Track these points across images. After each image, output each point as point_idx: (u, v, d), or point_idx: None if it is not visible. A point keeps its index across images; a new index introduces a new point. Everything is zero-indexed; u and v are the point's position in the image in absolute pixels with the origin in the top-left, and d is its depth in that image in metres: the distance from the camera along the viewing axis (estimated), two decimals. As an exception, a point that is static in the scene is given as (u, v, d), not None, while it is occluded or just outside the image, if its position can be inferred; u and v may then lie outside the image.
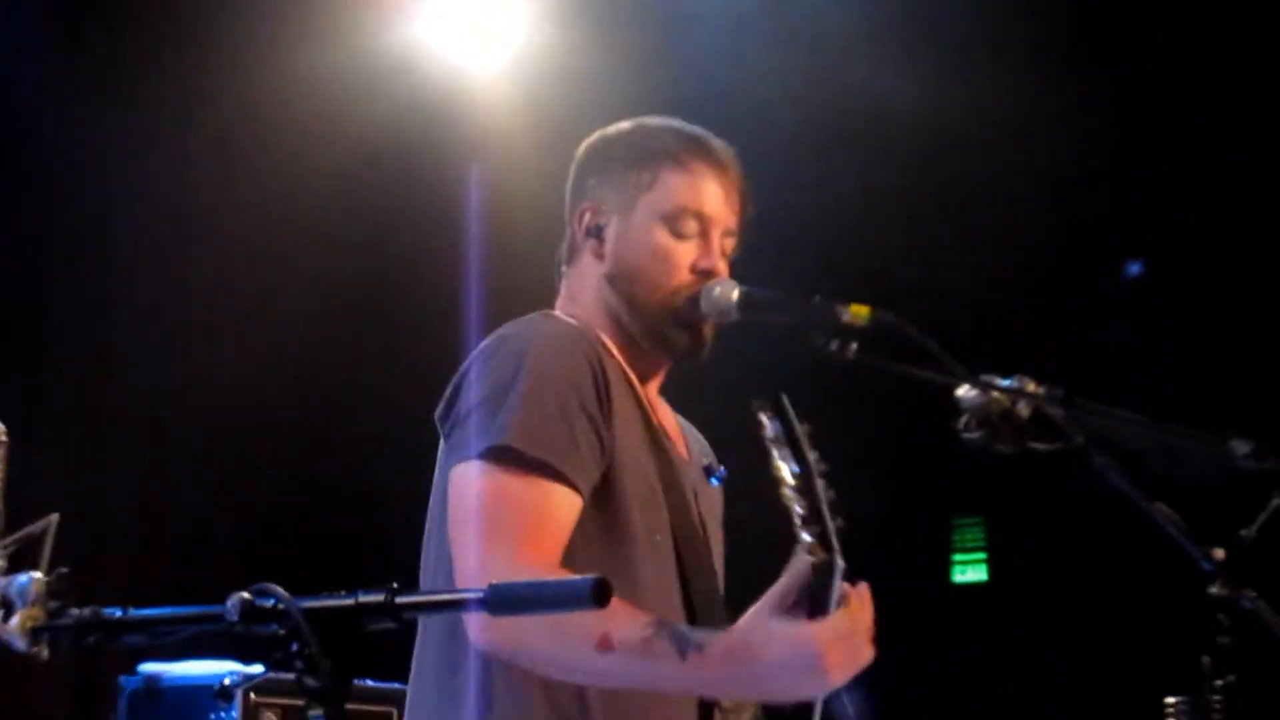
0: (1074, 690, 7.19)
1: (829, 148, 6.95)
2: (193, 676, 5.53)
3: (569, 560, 2.77)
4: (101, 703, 5.75)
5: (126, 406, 6.56)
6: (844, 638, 2.64)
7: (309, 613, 1.91)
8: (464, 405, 2.87)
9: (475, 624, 2.72)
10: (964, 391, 3.02)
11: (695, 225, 3.06)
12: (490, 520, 2.75)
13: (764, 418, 2.78)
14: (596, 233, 3.09)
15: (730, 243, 3.11)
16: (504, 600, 1.87)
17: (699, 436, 3.26)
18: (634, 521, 2.89)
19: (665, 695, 2.83)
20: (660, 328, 3.04)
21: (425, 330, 5.81)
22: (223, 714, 5.39)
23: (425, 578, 2.94)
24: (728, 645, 2.64)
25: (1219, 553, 3.02)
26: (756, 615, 2.66)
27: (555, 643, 2.67)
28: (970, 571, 8.19)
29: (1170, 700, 3.29)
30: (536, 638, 2.67)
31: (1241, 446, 3.01)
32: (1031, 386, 3.03)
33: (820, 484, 2.76)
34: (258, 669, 5.51)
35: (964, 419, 3.03)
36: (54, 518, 2.21)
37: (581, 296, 3.11)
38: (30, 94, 6.20)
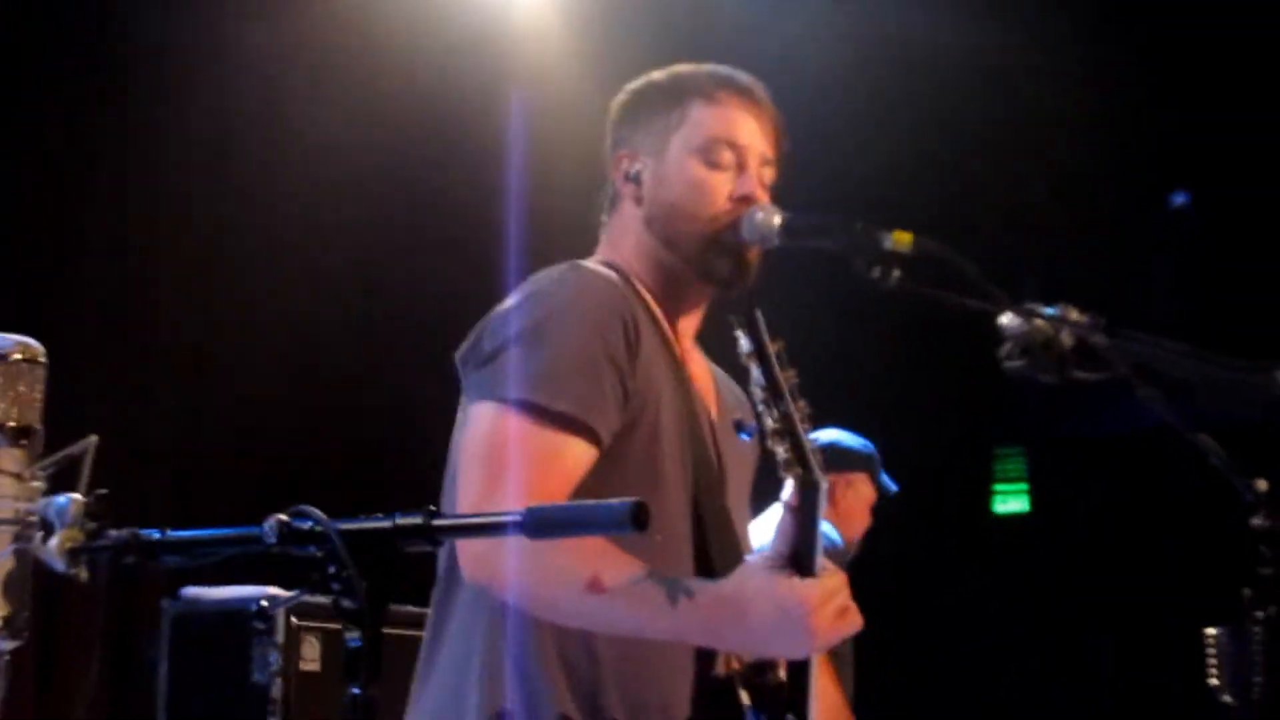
0: (1114, 621, 7.18)
1: (874, 80, 6.91)
2: (234, 600, 5.56)
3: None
4: (144, 626, 5.79)
5: (166, 328, 6.58)
6: (833, 599, 2.63)
7: (346, 535, 1.91)
8: (489, 347, 2.87)
9: (468, 558, 2.73)
10: (1007, 319, 2.99)
11: (730, 155, 3.04)
12: (497, 462, 2.75)
13: (739, 333, 2.77)
14: (634, 178, 3.08)
15: (769, 172, 3.09)
16: (542, 522, 1.86)
17: (736, 389, 3.22)
18: (655, 472, 2.89)
19: (666, 646, 2.82)
20: (703, 257, 3.02)
21: (466, 259, 5.79)
22: (264, 637, 5.42)
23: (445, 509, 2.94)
24: (718, 597, 2.64)
25: (1262, 484, 3.00)
26: (749, 569, 2.67)
27: (546, 582, 2.68)
28: (1012, 502, 8.19)
29: (1211, 631, 3.28)
30: (528, 576, 2.67)
31: (1287, 377, 2.99)
32: (1075, 315, 3.00)
33: (789, 398, 2.73)
34: (293, 593, 5.55)
35: (1006, 347, 3.00)
36: (93, 439, 2.21)
37: (620, 244, 3.09)
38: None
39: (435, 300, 6.67)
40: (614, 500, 1.81)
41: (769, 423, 2.70)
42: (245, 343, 6.70)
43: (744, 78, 3.12)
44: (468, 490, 2.77)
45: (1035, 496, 8.06)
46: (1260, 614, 3.00)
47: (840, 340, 7.00)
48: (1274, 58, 6.64)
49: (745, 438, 3.11)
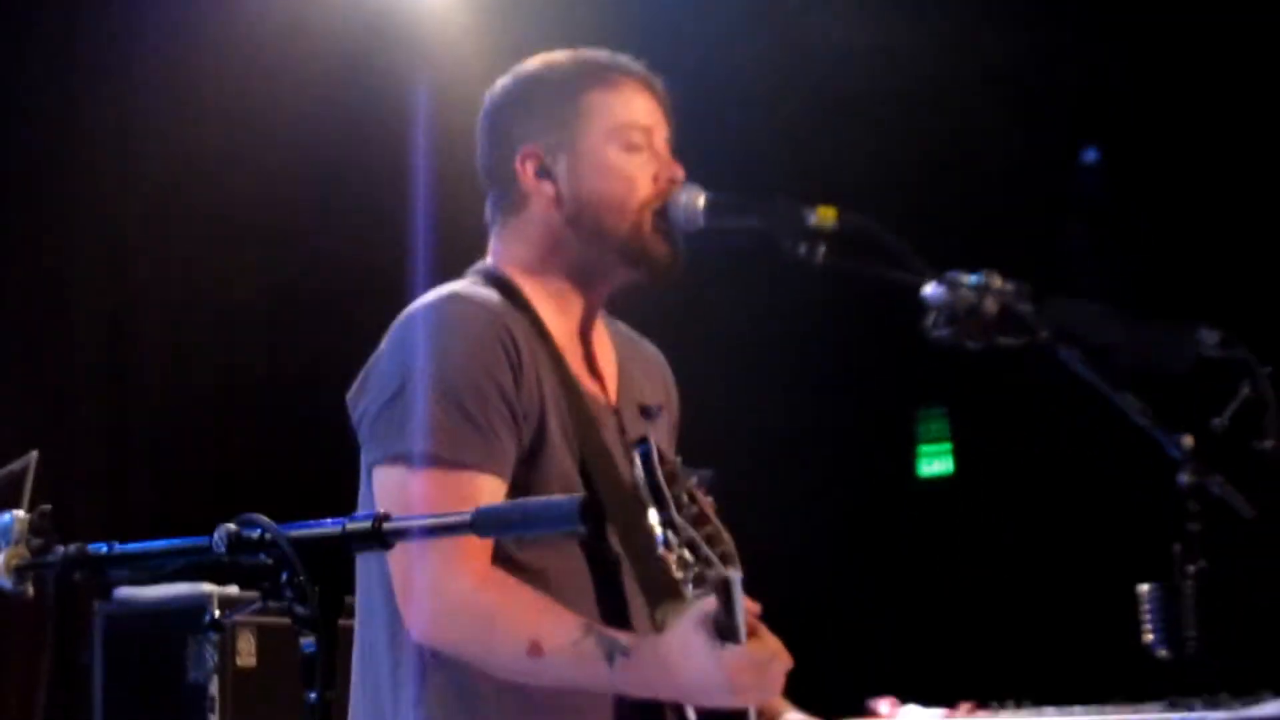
0: (1044, 580, 7.23)
1: (777, 47, 6.91)
2: (168, 599, 5.54)
3: (499, 544, 2.83)
4: (77, 629, 5.75)
5: (91, 342, 6.54)
6: (756, 665, 2.71)
7: (296, 542, 1.92)
8: (370, 401, 2.89)
9: (417, 621, 2.79)
10: (931, 289, 3.03)
11: (641, 137, 3.03)
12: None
13: (635, 459, 2.81)
14: (546, 175, 3.02)
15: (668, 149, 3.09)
16: (491, 521, 1.88)
17: (649, 357, 3.23)
18: (557, 488, 2.90)
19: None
20: (638, 245, 2.99)
21: (374, 252, 5.79)
22: (200, 635, 5.40)
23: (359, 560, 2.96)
24: (653, 656, 2.72)
25: (1188, 440, 3.05)
26: (679, 631, 2.71)
27: (489, 645, 2.77)
28: (936, 463, 8.24)
29: (1142, 588, 3.32)
30: (471, 640, 2.77)
31: (1210, 335, 3.04)
32: (998, 282, 3.04)
33: (689, 517, 2.78)
34: (232, 589, 5.54)
35: (931, 316, 3.04)
36: (33, 455, 2.20)
37: (521, 246, 3.04)
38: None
39: (347, 294, 6.66)
40: (562, 497, 1.83)
41: (673, 557, 2.76)
42: (174, 349, 6.68)
43: (631, 61, 3.09)
44: (399, 559, 2.80)
45: (960, 457, 8.11)
46: (1190, 569, 3.05)
47: (761, 307, 7.02)
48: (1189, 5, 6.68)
49: (654, 415, 3.11)
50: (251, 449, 6.82)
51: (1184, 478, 3.04)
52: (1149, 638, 3.26)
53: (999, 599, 7.35)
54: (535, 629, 2.72)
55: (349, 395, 2.95)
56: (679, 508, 2.76)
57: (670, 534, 2.74)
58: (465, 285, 3.00)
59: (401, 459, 2.81)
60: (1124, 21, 6.78)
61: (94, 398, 6.50)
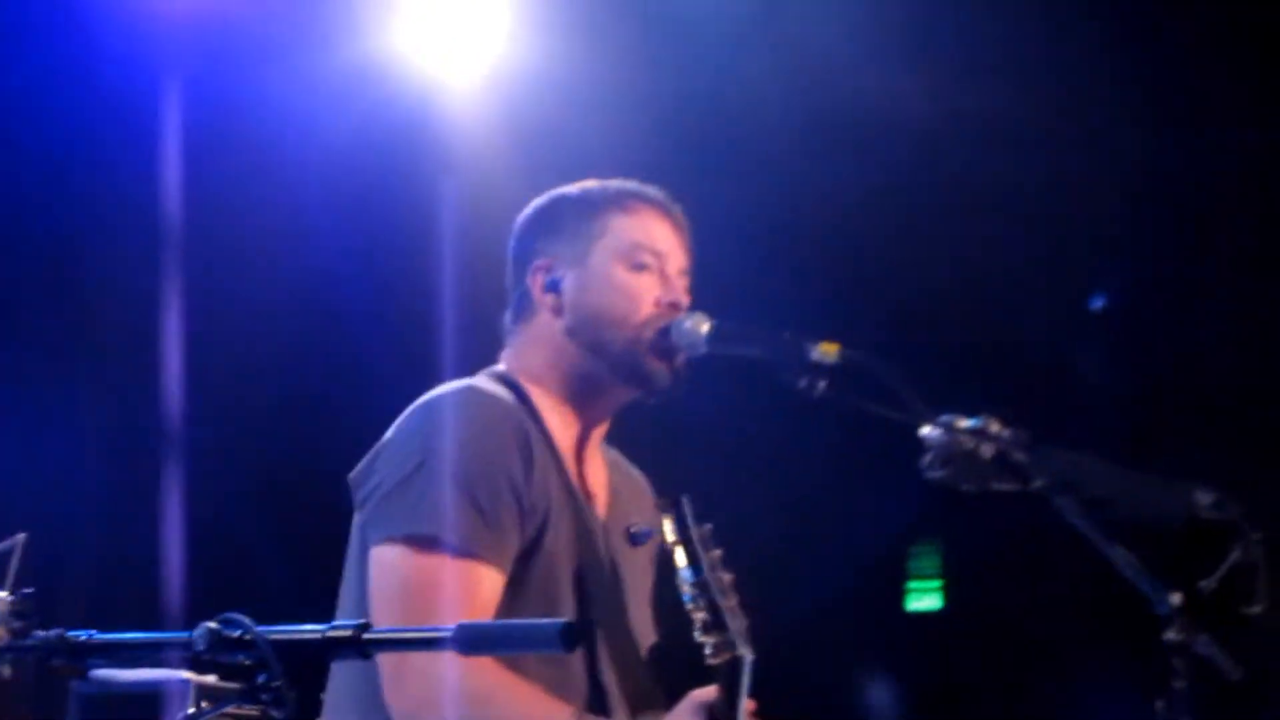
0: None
1: (819, 155, 6.93)
2: (145, 683, 5.51)
3: None
4: (53, 707, 5.72)
5: (94, 423, 6.55)
6: None
7: (276, 645, 1.91)
8: (384, 480, 2.92)
9: (398, 699, 2.80)
10: (929, 430, 3.04)
11: (652, 260, 3.08)
12: (414, 607, 2.82)
13: (665, 520, 2.83)
14: (553, 287, 3.10)
15: (684, 282, 3.14)
16: (474, 639, 1.87)
17: (638, 486, 3.27)
18: (550, 594, 2.94)
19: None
20: (633, 362, 3.04)
21: (400, 346, 5.79)
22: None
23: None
24: None
25: (1176, 597, 3.04)
26: (677, 716, 2.70)
27: None
28: (925, 599, 8.21)
29: (1124, 743, 3.30)
30: None
31: (1205, 496, 3.04)
32: (996, 427, 3.05)
33: (717, 584, 2.80)
34: (210, 678, 5.51)
35: (928, 457, 3.05)
36: (21, 537, 2.20)
37: (528, 354, 3.12)
38: None
39: (365, 392, 6.65)
40: (544, 620, 1.83)
41: (698, 615, 2.77)
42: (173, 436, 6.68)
43: (655, 191, 3.17)
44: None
45: (950, 594, 8.09)
46: (1173, 727, 3.03)
47: (759, 432, 7.02)
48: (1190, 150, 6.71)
49: (640, 541, 3.14)
50: (252, 547, 6.81)
51: (1171, 635, 3.02)
52: (1133, 796, 3.25)
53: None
54: (525, 715, 2.74)
55: (353, 473, 2.97)
56: (710, 570, 2.79)
57: (696, 594, 2.75)
58: (483, 380, 3.05)
59: (405, 540, 2.83)
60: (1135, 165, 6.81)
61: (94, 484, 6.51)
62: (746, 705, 2.70)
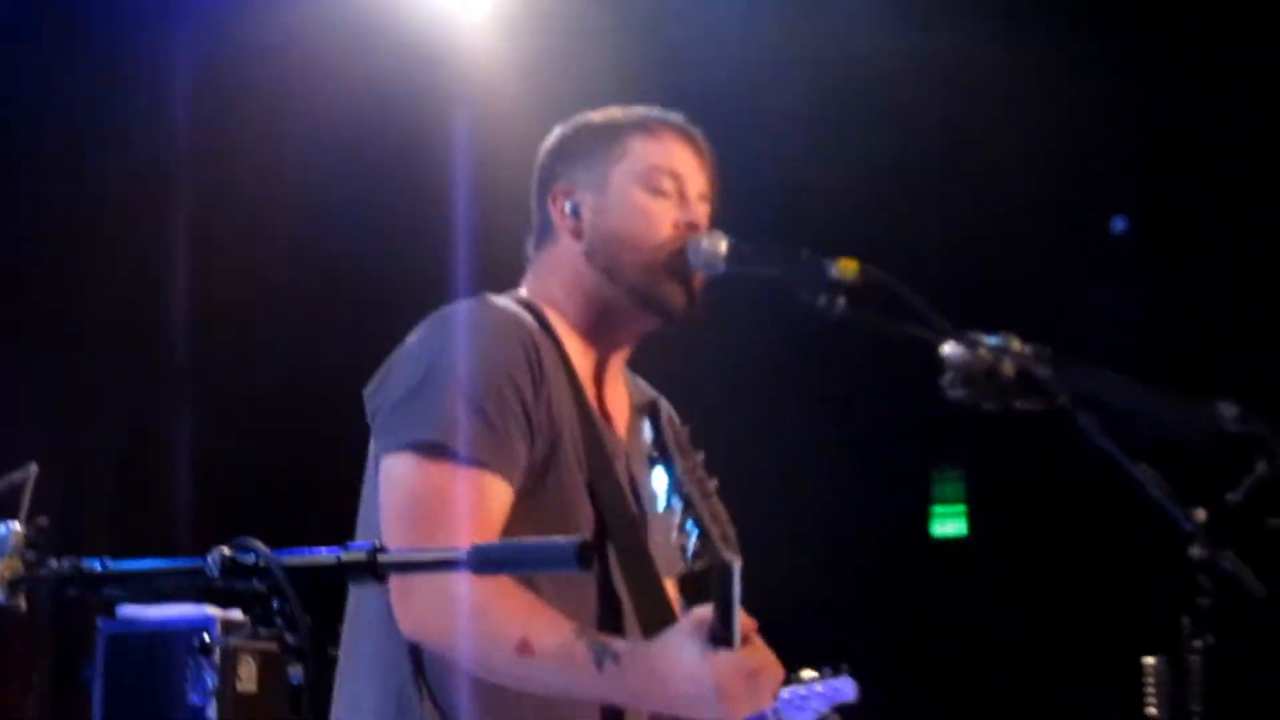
0: (1051, 648, 7.20)
1: (824, 106, 6.92)
2: (171, 620, 5.54)
3: None
4: (79, 646, 5.75)
5: (110, 356, 6.56)
6: (746, 674, 2.68)
7: (290, 569, 1.90)
8: (394, 390, 2.91)
9: (408, 619, 2.78)
10: (949, 348, 3.00)
11: (671, 184, 3.07)
12: (423, 516, 2.80)
13: (644, 425, 2.81)
14: (573, 211, 3.08)
15: (705, 208, 3.11)
16: (488, 559, 1.86)
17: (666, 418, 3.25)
18: (564, 510, 2.92)
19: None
20: (651, 286, 3.02)
21: (412, 276, 5.78)
22: (200, 658, 5.40)
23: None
24: (643, 664, 2.71)
25: (1200, 514, 3.02)
26: (671, 637, 2.71)
27: (478, 642, 2.74)
28: (949, 524, 8.22)
29: (1149, 661, 3.29)
30: (461, 635, 2.75)
31: (1229, 409, 3.00)
32: (1017, 344, 3.01)
33: (695, 487, 2.77)
34: (235, 613, 5.54)
35: (948, 376, 3.01)
36: (33, 468, 2.19)
37: (548, 279, 3.10)
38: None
39: (378, 326, 6.65)
40: (559, 539, 1.81)
41: (675, 516, 2.75)
42: (186, 368, 6.69)
43: (679, 117, 3.16)
44: (402, 546, 2.77)
45: (973, 520, 8.09)
46: (1198, 643, 3.02)
47: (780, 358, 7.01)
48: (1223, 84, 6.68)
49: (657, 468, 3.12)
50: (265, 475, 6.82)
51: (1195, 552, 3.00)
52: (1153, 711, 3.23)
53: (1005, 664, 7.32)
54: (526, 627, 2.72)
55: (367, 389, 2.97)
56: (687, 472, 2.76)
57: (675, 499, 2.73)
58: (499, 297, 3.04)
59: (413, 448, 2.83)
60: (1155, 92, 6.78)
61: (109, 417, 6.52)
62: (742, 619, 2.67)
